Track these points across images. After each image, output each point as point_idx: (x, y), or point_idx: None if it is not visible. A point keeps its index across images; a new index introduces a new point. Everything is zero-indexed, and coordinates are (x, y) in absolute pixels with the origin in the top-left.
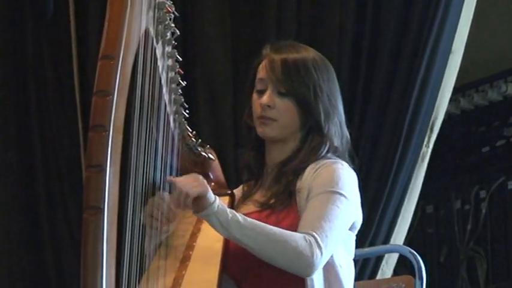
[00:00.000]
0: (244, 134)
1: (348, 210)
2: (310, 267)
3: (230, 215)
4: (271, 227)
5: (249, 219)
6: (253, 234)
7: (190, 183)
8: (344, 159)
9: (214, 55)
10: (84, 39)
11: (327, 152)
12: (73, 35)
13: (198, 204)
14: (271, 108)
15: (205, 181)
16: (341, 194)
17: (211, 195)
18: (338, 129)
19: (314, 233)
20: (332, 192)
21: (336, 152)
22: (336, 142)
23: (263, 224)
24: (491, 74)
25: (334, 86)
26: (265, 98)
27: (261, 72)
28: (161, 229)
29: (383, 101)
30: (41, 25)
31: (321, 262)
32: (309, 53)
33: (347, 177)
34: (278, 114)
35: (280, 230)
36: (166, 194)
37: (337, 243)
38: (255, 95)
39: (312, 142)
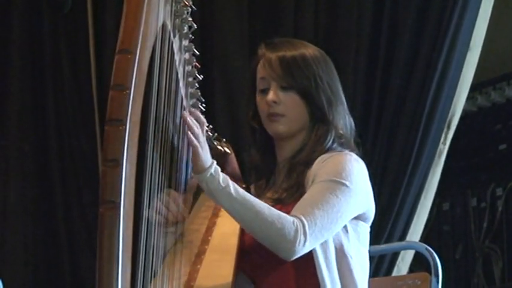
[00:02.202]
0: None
1: (350, 200)
2: (290, 251)
3: (222, 185)
4: (264, 205)
5: (242, 192)
6: (241, 208)
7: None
8: (350, 147)
9: (231, 49)
10: (102, 33)
11: (333, 140)
12: (90, 30)
13: (196, 163)
14: (278, 104)
15: (206, 144)
16: (343, 184)
17: (206, 159)
18: (342, 117)
19: (303, 219)
20: (334, 181)
21: (341, 138)
22: (341, 129)
23: (256, 201)
24: (509, 71)
25: (334, 76)
26: (270, 95)
27: (261, 71)
28: (167, 228)
29: (400, 99)
30: (58, 19)
31: (303, 248)
32: (307, 48)
33: (353, 168)
34: (285, 109)
35: (272, 210)
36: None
37: (329, 233)
38: (259, 96)
39: (318, 131)
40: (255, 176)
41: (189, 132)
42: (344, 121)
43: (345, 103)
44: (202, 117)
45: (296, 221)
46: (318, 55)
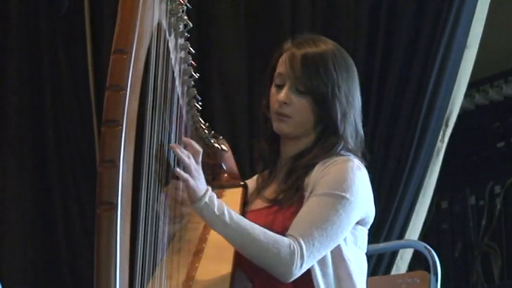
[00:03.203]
0: (260, 125)
1: (351, 213)
2: (287, 275)
3: (217, 213)
4: (260, 230)
5: (237, 218)
6: (236, 236)
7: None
8: (356, 157)
9: (228, 47)
10: (99, 34)
11: (340, 150)
12: (87, 30)
13: (188, 194)
14: (288, 106)
15: (200, 172)
16: (343, 197)
17: (200, 189)
18: (353, 129)
19: (301, 241)
20: (334, 195)
21: (349, 150)
22: (351, 142)
23: (251, 226)
24: (506, 69)
25: (354, 83)
26: (282, 95)
27: (281, 67)
28: (174, 217)
29: (398, 97)
30: (55, 20)
31: (301, 270)
32: (328, 47)
33: (355, 177)
34: (294, 112)
35: (267, 234)
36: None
37: (328, 248)
38: (273, 89)
39: (326, 141)
40: (262, 166)
41: (177, 168)
42: (354, 133)
43: (360, 112)
44: (196, 145)
45: (293, 244)
46: (340, 59)
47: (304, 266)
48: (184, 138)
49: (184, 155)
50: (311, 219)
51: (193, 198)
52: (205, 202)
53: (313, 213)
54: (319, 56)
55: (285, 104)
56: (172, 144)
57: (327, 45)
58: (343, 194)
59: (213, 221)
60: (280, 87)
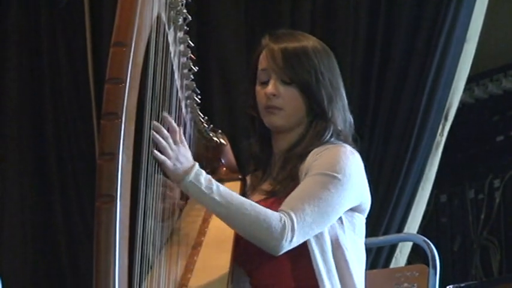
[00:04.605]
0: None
1: (342, 193)
2: (277, 247)
3: (205, 191)
4: (249, 204)
5: (225, 194)
6: (226, 211)
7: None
8: (348, 143)
9: (227, 41)
10: (98, 27)
11: (331, 136)
12: (87, 24)
13: (169, 175)
14: (277, 97)
15: (181, 151)
16: (335, 177)
17: (180, 168)
18: (341, 113)
19: (292, 214)
20: (326, 174)
21: (339, 135)
22: (340, 126)
23: (241, 201)
24: (506, 63)
25: (335, 71)
26: (270, 88)
27: (263, 62)
28: (163, 221)
29: (397, 91)
30: (55, 14)
31: (291, 244)
32: (309, 41)
33: (347, 160)
34: (284, 103)
35: (257, 208)
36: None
37: (320, 226)
38: (258, 87)
39: (316, 127)
40: (254, 166)
41: (155, 149)
42: (343, 117)
43: (345, 99)
44: (173, 124)
45: (284, 217)
46: (321, 49)
47: (294, 239)
48: (163, 115)
49: (161, 136)
50: (302, 196)
51: (176, 178)
52: (190, 181)
53: (305, 190)
54: (299, 47)
55: (274, 96)
56: (154, 124)
57: (306, 37)
58: (335, 174)
59: (201, 199)
60: (265, 83)
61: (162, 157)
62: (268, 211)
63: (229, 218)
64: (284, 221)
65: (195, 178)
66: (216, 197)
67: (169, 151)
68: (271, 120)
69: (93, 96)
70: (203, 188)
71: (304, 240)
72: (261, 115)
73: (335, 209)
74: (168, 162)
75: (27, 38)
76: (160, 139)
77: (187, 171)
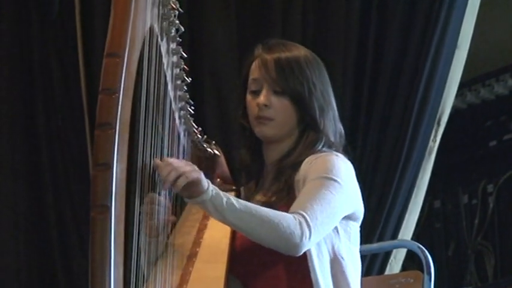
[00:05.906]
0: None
1: (342, 197)
2: (298, 247)
3: (225, 199)
4: (265, 208)
5: (242, 201)
6: (246, 216)
7: (186, 167)
8: (339, 153)
9: (220, 51)
10: (90, 38)
11: (323, 146)
12: (79, 34)
13: (192, 189)
14: (268, 108)
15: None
16: (335, 181)
17: (205, 181)
18: (332, 124)
19: (304, 213)
20: (326, 178)
21: (331, 146)
22: (331, 137)
23: (255, 206)
24: (498, 68)
25: (326, 81)
26: (262, 98)
27: (255, 72)
28: (155, 236)
29: (389, 96)
30: (46, 25)
31: (310, 242)
32: (300, 51)
33: (342, 166)
34: (275, 113)
35: (273, 211)
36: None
37: (328, 228)
38: (249, 96)
39: (308, 138)
40: (245, 178)
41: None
42: (334, 128)
43: (336, 109)
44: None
45: (297, 216)
46: (312, 59)
47: (312, 237)
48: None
49: (164, 168)
50: (309, 198)
51: (199, 190)
52: (213, 191)
53: (310, 193)
54: (291, 57)
55: (266, 106)
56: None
57: (297, 48)
58: (334, 177)
59: (223, 209)
60: (256, 92)
61: (183, 169)
62: (282, 213)
63: (251, 225)
64: (298, 219)
65: (215, 188)
66: (236, 205)
67: (185, 165)
68: (261, 131)
69: (86, 106)
70: (222, 196)
71: (319, 239)
72: (252, 125)
73: (337, 212)
74: (194, 174)
75: (18, 49)
76: (166, 169)
77: (208, 185)
